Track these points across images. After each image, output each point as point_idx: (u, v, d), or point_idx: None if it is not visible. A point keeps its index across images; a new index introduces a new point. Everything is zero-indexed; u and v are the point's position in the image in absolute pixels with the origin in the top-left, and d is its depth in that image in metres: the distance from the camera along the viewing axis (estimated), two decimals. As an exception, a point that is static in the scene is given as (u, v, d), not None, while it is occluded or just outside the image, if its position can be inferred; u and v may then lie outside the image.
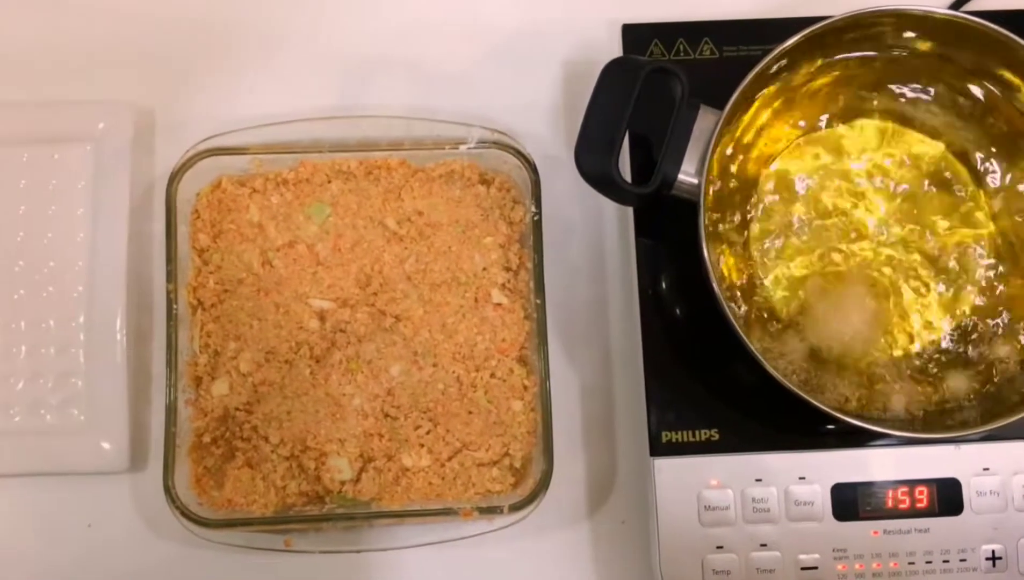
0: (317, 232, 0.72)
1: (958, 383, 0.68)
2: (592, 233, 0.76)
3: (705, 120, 0.64)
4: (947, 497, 0.67)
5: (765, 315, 0.68)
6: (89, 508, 0.71)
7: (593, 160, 0.63)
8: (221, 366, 0.69)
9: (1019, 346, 0.68)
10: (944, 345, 0.68)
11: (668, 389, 0.69)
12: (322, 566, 0.69)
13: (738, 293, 0.68)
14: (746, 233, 0.70)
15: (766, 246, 0.70)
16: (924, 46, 0.69)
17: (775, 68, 0.67)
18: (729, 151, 0.69)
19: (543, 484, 0.66)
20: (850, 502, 0.67)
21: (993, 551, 0.67)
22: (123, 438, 0.70)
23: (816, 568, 0.66)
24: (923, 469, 0.68)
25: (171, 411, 0.67)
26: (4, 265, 0.72)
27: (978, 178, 0.70)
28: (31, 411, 0.70)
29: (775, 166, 0.70)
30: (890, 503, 0.67)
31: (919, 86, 0.70)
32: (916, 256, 0.69)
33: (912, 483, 0.67)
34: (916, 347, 0.68)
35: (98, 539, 0.70)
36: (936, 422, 0.66)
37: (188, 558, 0.70)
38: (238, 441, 0.69)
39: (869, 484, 0.67)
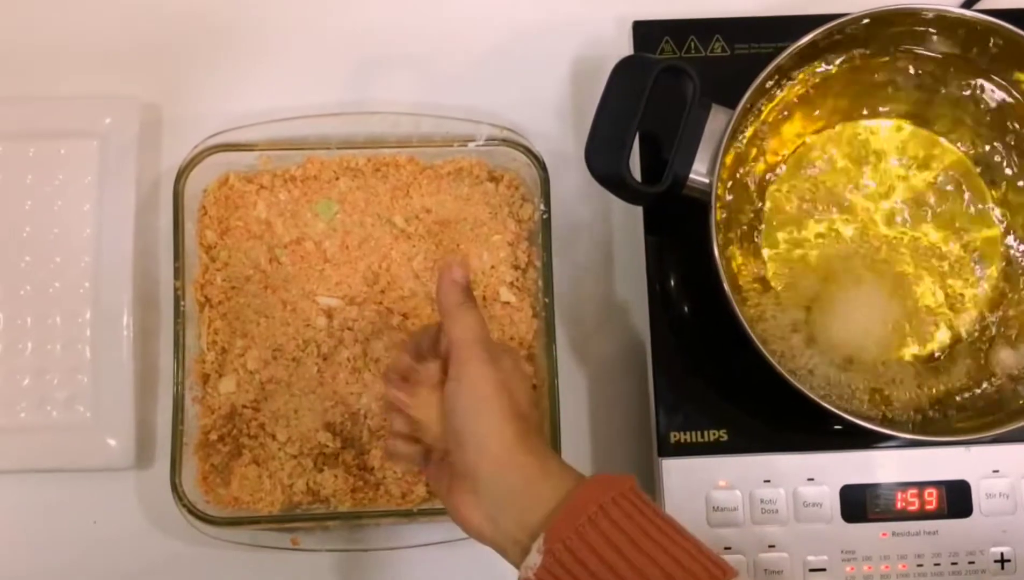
0: (325, 229, 0.71)
1: (969, 385, 0.67)
2: (601, 231, 0.75)
3: (716, 119, 0.64)
4: (956, 499, 0.67)
5: (775, 315, 0.68)
6: (95, 505, 0.71)
7: (604, 159, 0.63)
8: (228, 363, 0.69)
9: (1029, 347, 0.68)
10: (956, 347, 0.68)
11: (676, 389, 0.68)
12: (329, 565, 0.69)
13: (748, 292, 0.68)
14: (757, 232, 0.69)
15: (777, 245, 0.69)
16: (939, 45, 0.68)
17: (788, 66, 0.67)
18: (741, 150, 0.69)
19: (551, 484, 0.66)
20: (859, 503, 0.67)
21: (1002, 554, 0.67)
22: (129, 435, 0.69)
23: (824, 570, 0.66)
24: (932, 471, 0.67)
25: (178, 408, 0.67)
26: (10, 261, 0.72)
27: (992, 179, 0.70)
28: (37, 407, 0.70)
29: (787, 165, 0.70)
30: (899, 505, 0.67)
31: (934, 85, 0.70)
32: (929, 256, 0.69)
33: (921, 485, 0.67)
34: (928, 348, 0.68)
35: (104, 536, 0.70)
36: (946, 424, 0.66)
37: (194, 556, 0.70)
38: (245, 439, 0.68)
39: (878, 486, 0.67)
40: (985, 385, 0.67)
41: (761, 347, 0.62)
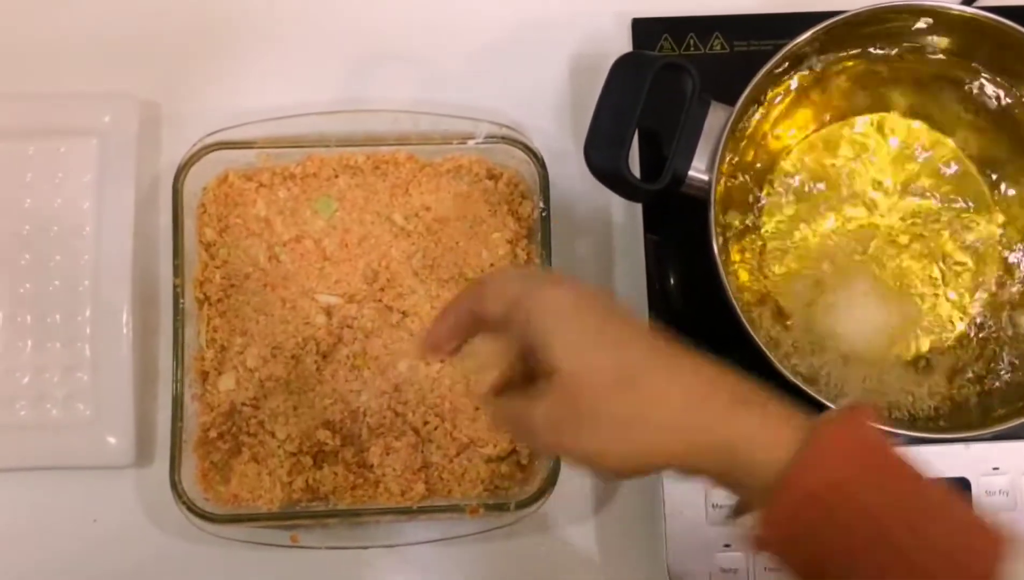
0: (324, 227, 0.71)
1: (969, 381, 0.67)
2: (600, 228, 0.75)
3: (716, 116, 0.64)
4: (956, 496, 0.67)
5: (774, 311, 0.68)
6: (95, 503, 0.70)
7: (603, 156, 0.63)
8: (227, 361, 0.69)
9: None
10: (955, 343, 0.68)
11: (676, 386, 0.68)
12: (328, 562, 0.69)
13: (747, 289, 0.68)
14: (756, 229, 0.69)
15: (776, 242, 0.69)
16: (938, 42, 0.68)
17: (787, 63, 0.67)
18: (740, 147, 0.69)
19: (550, 481, 0.66)
20: (858, 500, 0.66)
21: (1002, 551, 0.66)
22: (129, 433, 0.69)
23: (824, 567, 0.66)
24: (932, 468, 0.67)
25: (177, 406, 0.67)
26: (10, 259, 0.72)
27: (992, 175, 0.70)
28: (37, 405, 0.70)
29: (787, 162, 0.70)
30: (899, 502, 0.67)
31: (935, 83, 0.70)
32: (929, 253, 0.69)
33: (921, 482, 0.67)
34: (926, 344, 0.68)
35: (104, 534, 0.70)
36: (946, 421, 0.66)
37: (194, 553, 0.69)
38: (244, 436, 0.68)
39: (877, 482, 0.67)
40: (985, 383, 0.67)
41: (761, 345, 0.62)
